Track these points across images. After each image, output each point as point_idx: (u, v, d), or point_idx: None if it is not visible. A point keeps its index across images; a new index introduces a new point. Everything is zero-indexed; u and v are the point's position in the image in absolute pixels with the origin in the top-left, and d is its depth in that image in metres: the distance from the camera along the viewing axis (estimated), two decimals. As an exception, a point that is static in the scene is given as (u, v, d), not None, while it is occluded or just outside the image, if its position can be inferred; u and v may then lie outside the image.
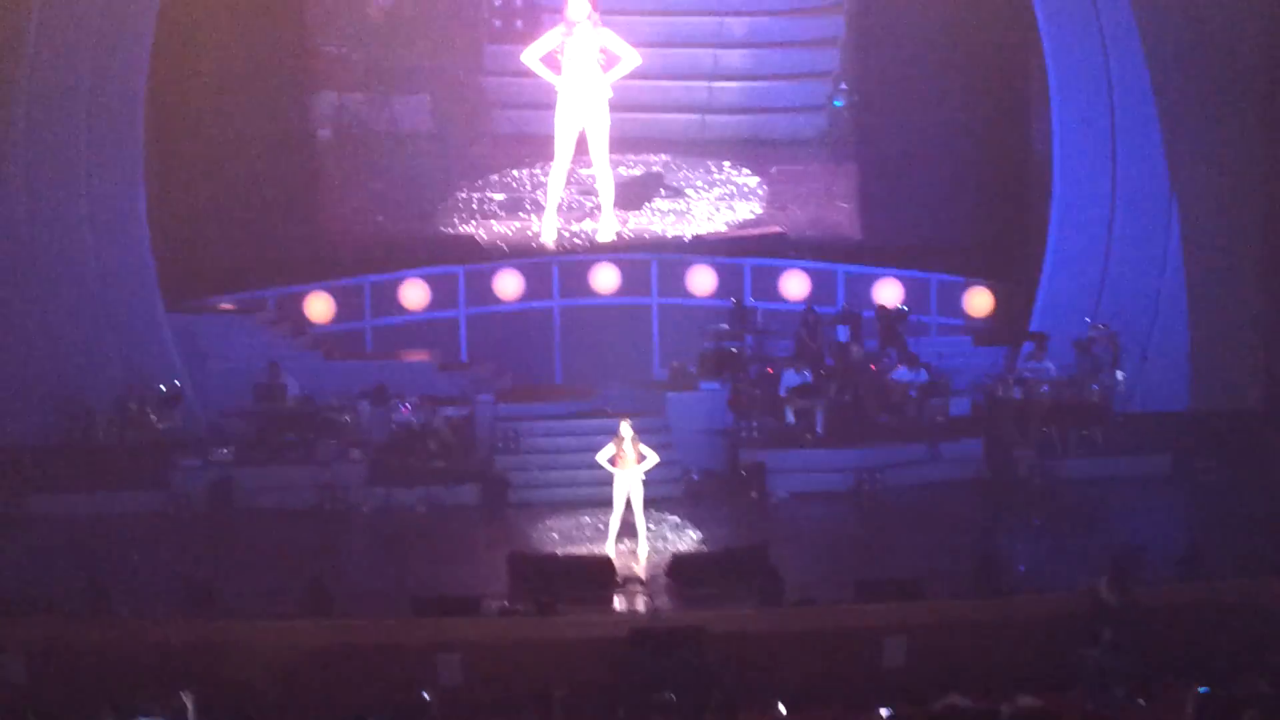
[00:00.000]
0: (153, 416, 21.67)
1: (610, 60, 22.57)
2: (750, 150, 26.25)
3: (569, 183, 25.11)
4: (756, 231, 25.98)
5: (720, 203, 26.21)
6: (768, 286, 25.75)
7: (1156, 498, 20.83)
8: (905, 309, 24.24)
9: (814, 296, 25.34)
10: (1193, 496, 20.69)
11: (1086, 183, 24.02)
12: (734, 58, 26.21)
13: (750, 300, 25.17)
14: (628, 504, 18.64)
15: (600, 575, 17.20)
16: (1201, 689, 13.42)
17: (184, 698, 13.81)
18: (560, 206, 25.13)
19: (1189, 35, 23.13)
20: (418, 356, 24.60)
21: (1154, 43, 23.34)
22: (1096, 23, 23.54)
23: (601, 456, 18.81)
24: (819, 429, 22.04)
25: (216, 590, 16.29)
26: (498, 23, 25.71)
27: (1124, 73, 23.60)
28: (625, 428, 18.62)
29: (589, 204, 24.51)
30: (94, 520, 20.08)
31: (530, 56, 22.60)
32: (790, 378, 22.32)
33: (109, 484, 21.01)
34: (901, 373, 22.80)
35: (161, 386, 22.30)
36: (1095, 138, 23.92)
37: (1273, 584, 16.10)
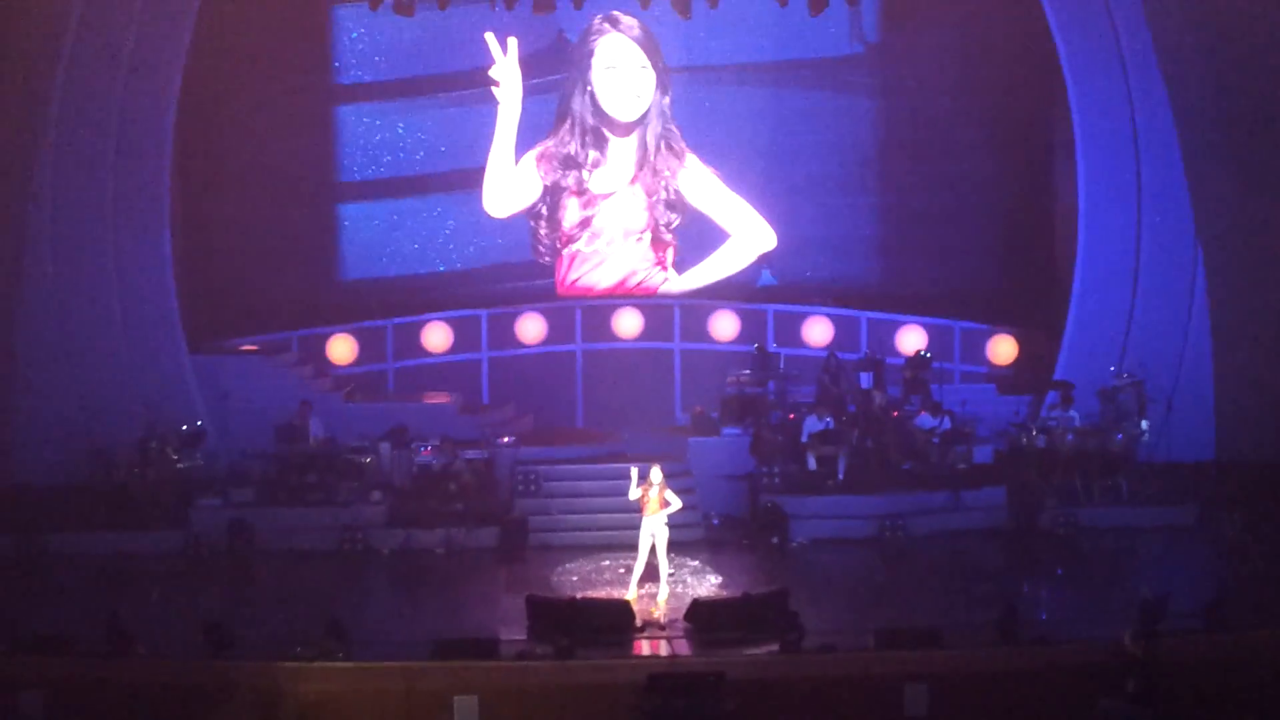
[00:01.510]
0: (174, 456, 21.67)
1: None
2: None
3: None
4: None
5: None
6: (790, 332, 25.77)
7: (1181, 548, 20.69)
8: (929, 355, 24.18)
9: (837, 342, 25.35)
10: (1218, 547, 20.51)
11: (1112, 231, 23.98)
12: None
13: (773, 346, 25.18)
14: (652, 548, 18.54)
15: (619, 619, 17.12)
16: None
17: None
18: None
19: (1214, 85, 23.11)
20: (439, 399, 24.63)
21: (1179, 93, 23.34)
22: (1122, 73, 23.56)
23: (632, 495, 18.70)
24: (841, 475, 21.97)
25: (235, 631, 16.23)
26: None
27: (1149, 122, 23.60)
28: (656, 473, 18.52)
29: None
30: (114, 559, 20.07)
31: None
32: (812, 424, 22.26)
33: (129, 524, 21.03)
34: (924, 419, 22.73)
35: (183, 426, 22.32)
36: (1121, 186, 23.89)
37: (1298, 636, 15.94)
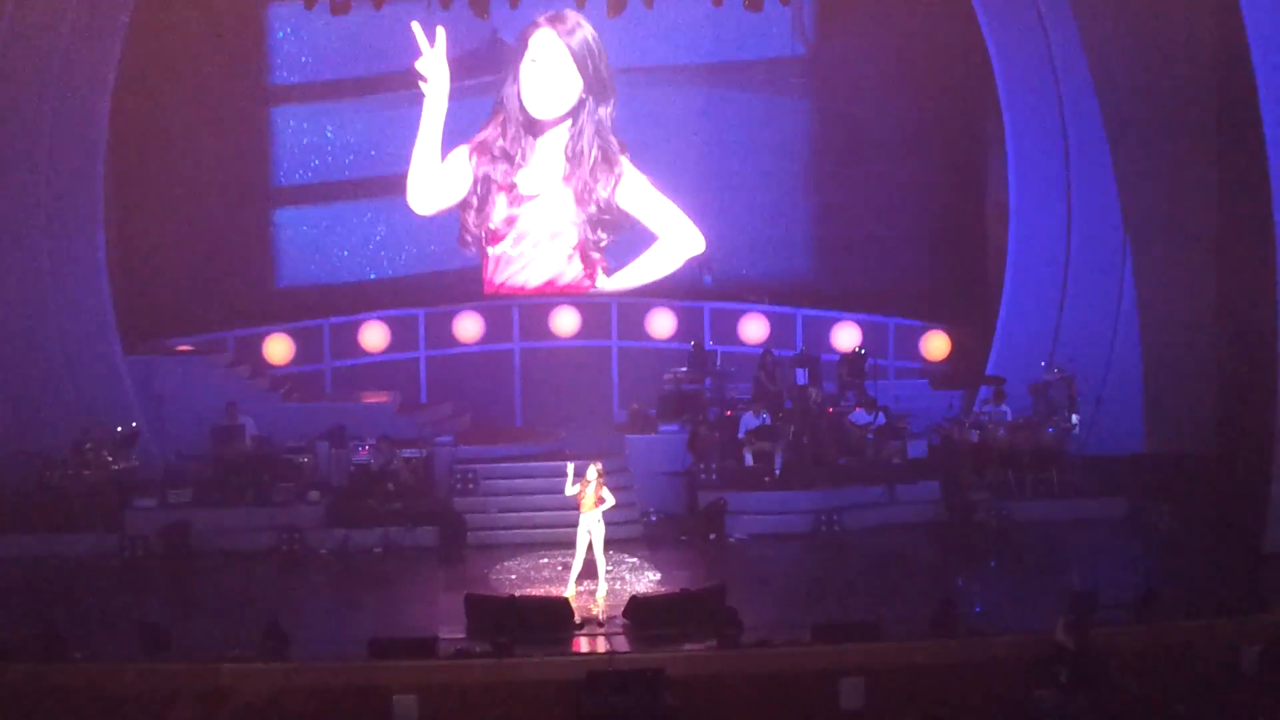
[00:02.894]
0: (109, 458, 21.51)
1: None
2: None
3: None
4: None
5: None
6: (727, 330, 25.94)
7: (1112, 540, 20.96)
8: (863, 352, 24.40)
9: (772, 339, 25.52)
10: (1148, 539, 20.83)
11: (1042, 229, 24.25)
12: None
13: (710, 343, 25.32)
14: (589, 545, 18.61)
15: (558, 617, 17.18)
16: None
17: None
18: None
19: (1143, 83, 23.43)
20: (377, 398, 24.60)
21: (1108, 91, 23.65)
22: (1051, 73, 23.82)
23: (568, 491, 18.76)
24: (777, 471, 22.13)
25: (173, 633, 16.16)
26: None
27: (1078, 119, 23.87)
28: (593, 469, 18.59)
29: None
30: (48, 562, 19.93)
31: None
32: (749, 420, 22.42)
33: (64, 526, 20.82)
34: (859, 415, 22.94)
35: (118, 428, 22.18)
36: (1050, 184, 24.17)
37: (1227, 625, 16.22)
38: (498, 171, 24.91)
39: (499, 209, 25.05)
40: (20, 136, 22.43)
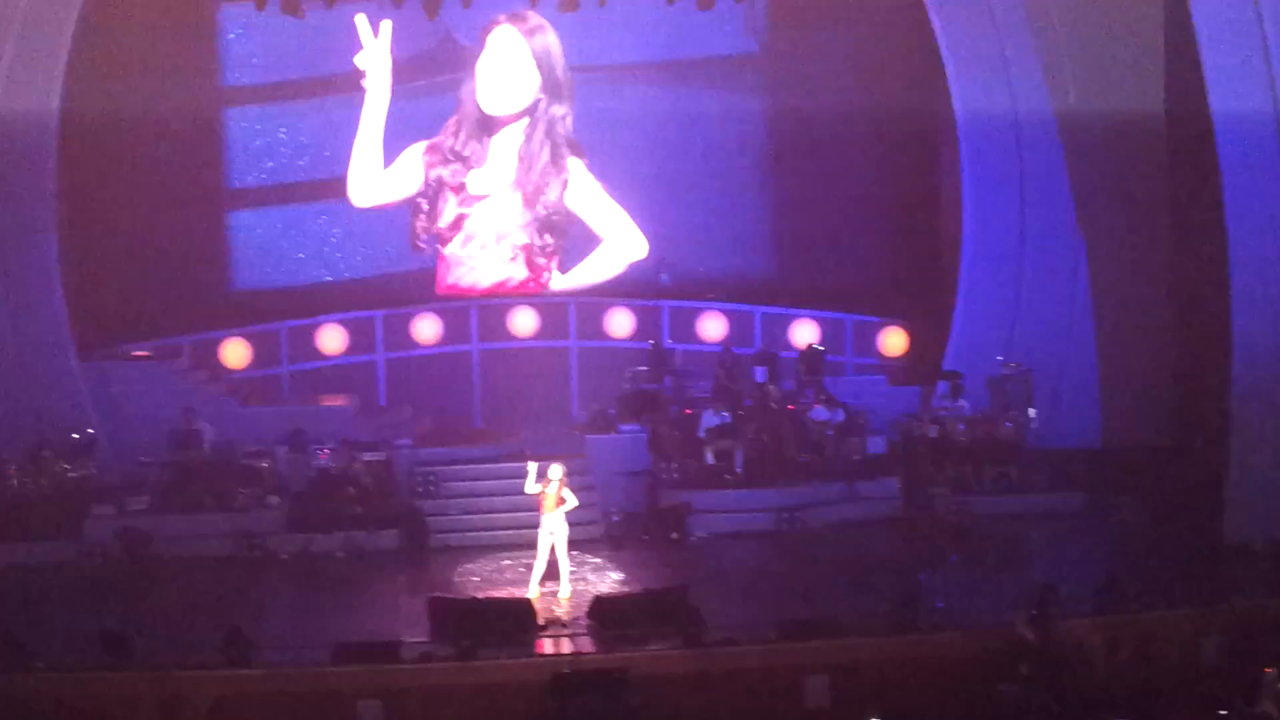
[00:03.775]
0: (65, 466, 21.36)
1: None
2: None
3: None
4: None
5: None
6: (686, 328, 25.96)
7: (1071, 533, 21.09)
8: (822, 349, 24.45)
9: (731, 338, 25.56)
10: (1106, 531, 20.97)
11: (996, 223, 24.38)
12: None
13: (668, 342, 25.37)
14: (552, 546, 18.59)
15: (521, 618, 17.15)
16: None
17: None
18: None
19: (1094, 75, 23.57)
20: (335, 401, 24.50)
21: (1059, 85, 23.79)
22: (1003, 67, 23.93)
23: (529, 489, 18.72)
24: (738, 469, 22.17)
25: (134, 641, 16.06)
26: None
27: (1030, 114, 24.00)
28: (556, 469, 18.56)
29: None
30: (7, 571, 19.74)
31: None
32: (709, 418, 22.44)
33: (21, 534, 20.62)
34: (819, 412, 22.98)
35: (74, 435, 22.00)
36: (1003, 179, 24.29)
37: (1187, 616, 16.36)
38: (449, 172, 24.71)
39: (449, 209, 24.81)
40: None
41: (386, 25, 23.89)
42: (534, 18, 24.69)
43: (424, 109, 25.09)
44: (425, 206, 24.89)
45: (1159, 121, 23.76)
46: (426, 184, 24.83)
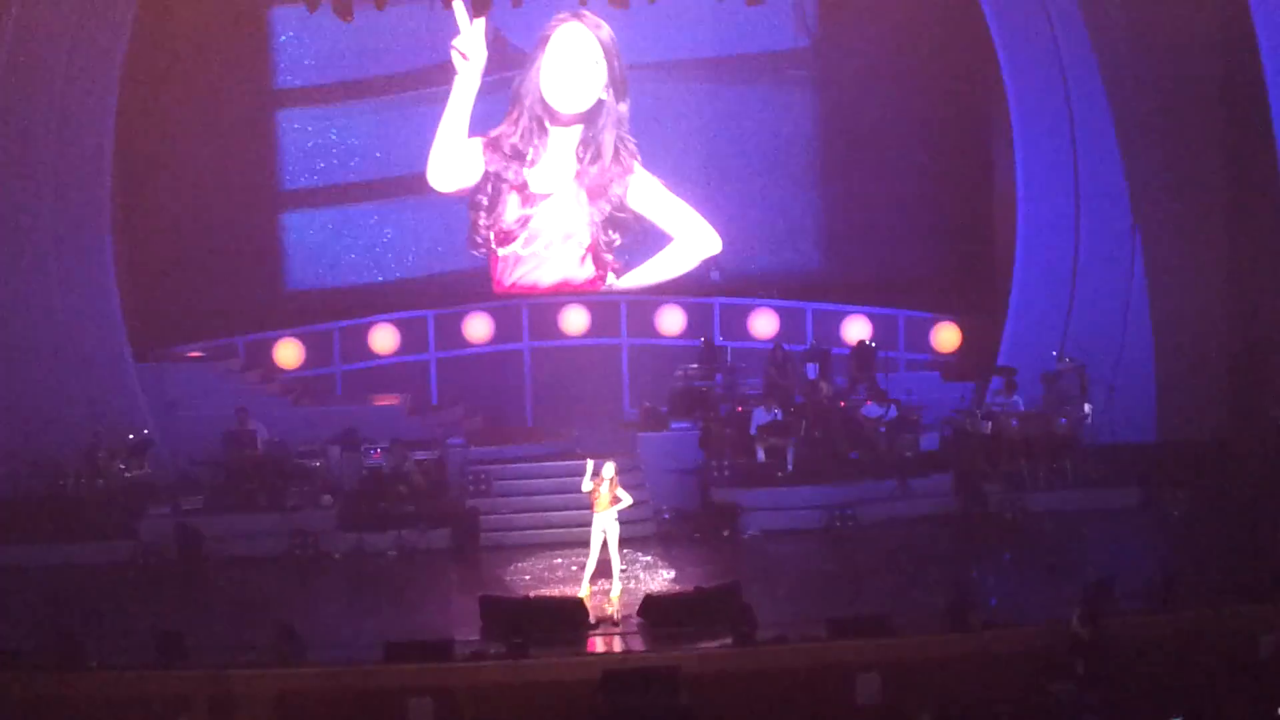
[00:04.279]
0: (121, 466, 21.54)
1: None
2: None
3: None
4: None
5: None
6: (737, 325, 25.92)
7: (1126, 529, 20.89)
8: (874, 345, 24.34)
9: (783, 334, 25.48)
10: (1162, 527, 20.76)
11: (1050, 217, 24.21)
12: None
13: (719, 339, 25.32)
14: (604, 544, 18.58)
15: (572, 617, 17.16)
16: (1175, 720, 13.47)
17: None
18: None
19: (1149, 69, 23.37)
20: (388, 401, 24.60)
21: (1114, 78, 23.59)
22: (1058, 59, 23.77)
23: (585, 487, 18.72)
24: (789, 466, 22.09)
25: (188, 639, 16.17)
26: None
27: (1086, 108, 23.82)
28: (609, 468, 18.52)
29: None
30: (63, 571, 19.93)
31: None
32: (760, 416, 22.37)
33: (78, 535, 20.84)
34: (871, 408, 22.88)
35: (130, 436, 22.19)
36: (1058, 174, 24.13)
37: (1245, 613, 16.16)
38: (509, 170, 24.88)
39: (511, 209, 25.02)
40: (27, 144, 22.50)
41: (480, 21, 24.19)
42: (592, 16, 24.79)
43: (476, 109, 25.12)
44: (485, 203, 25.02)
45: (1216, 112, 23.51)
46: (486, 179, 24.99)
